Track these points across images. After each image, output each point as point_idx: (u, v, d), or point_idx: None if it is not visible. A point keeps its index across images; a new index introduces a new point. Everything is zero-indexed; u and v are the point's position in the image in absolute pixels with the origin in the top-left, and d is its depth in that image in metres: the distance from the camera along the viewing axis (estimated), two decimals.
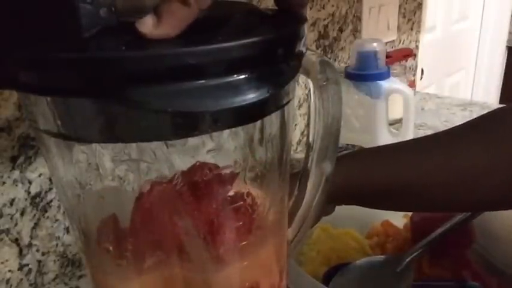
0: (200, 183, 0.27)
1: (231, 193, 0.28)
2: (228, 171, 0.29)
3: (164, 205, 0.27)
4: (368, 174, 0.41)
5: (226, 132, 0.27)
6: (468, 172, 0.38)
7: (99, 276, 0.30)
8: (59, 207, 0.51)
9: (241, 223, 0.28)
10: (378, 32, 0.96)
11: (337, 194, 0.37)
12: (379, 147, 0.46)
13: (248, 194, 0.29)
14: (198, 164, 0.28)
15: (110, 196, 0.28)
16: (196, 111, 0.21)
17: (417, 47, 1.18)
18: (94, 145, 0.26)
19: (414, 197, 0.41)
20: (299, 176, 0.30)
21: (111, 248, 0.28)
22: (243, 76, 0.21)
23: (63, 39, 0.21)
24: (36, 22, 0.21)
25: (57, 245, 0.53)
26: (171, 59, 0.20)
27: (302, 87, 0.80)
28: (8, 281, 0.49)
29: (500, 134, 0.38)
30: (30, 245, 0.50)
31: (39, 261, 0.51)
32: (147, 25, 0.21)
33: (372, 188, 0.41)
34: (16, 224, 0.48)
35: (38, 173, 0.49)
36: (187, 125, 0.22)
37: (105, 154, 0.26)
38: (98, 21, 0.21)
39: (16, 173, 0.47)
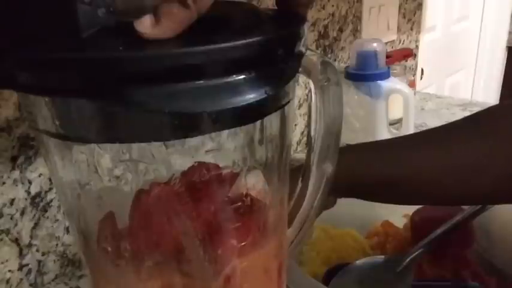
0: (198, 183, 0.27)
1: (230, 194, 0.28)
2: (227, 171, 0.28)
3: (162, 206, 0.27)
4: (366, 166, 0.42)
5: (226, 132, 0.27)
6: (465, 166, 0.39)
7: (98, 276, 0.30)
8: (59, 207, 0.51)
9: (240, 224, 0.28)
10: (378, 32, 0.96)
11: (335, 186, 0.37)
12: (378, 140, 0.47)
13: (247, 194, 0.29)
14: (196, 164, 0.28)
15: (108, 196, 0.28)
16: (195, 112, 0.21)
17: (417, 47, 1.18)
18: (93, 145, 0.26)
19: (411, 190, 0.42)
20: (300, 177, 0.30)
21: (109, 249, 0.28)
22: (241, 76, 0.21)
23: (62, 39, 0.21)
24: (34, 22, 0.21)
25: (57, 245, 0.53)
26: (170, 59, 0.20)
27: (302, 87, 0.80)
28: (8, 281, 0.49)
29: (497, 128, 0.38)
30: (30, 245, 0.50)
31: (39, 261, 0.51)
32: (145, 25, 0.21)
33: (370, 180, 0.41)
34: (16, 224, 0.48)
35: (38, 173, 0.49)
36: (185, 125, 0.22)
37: (103, 154, 0.26)
38: (96, 21, 0.21)
39: (16, 173, 0.47)
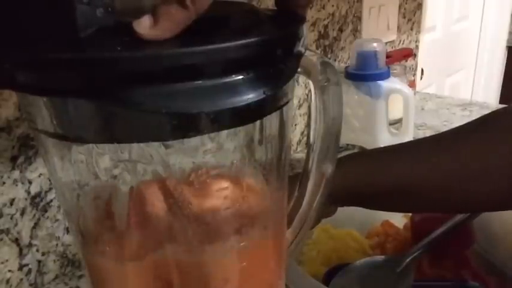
0: (197, 184, 0.27)
1: (229, 194, 0.28)
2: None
3: (159, 205, 0.27)
4: (368, 176, 0.41)
5: (225, 132, 0.27)
6: (473, 172, 0.38)
7: (97, 276, 0.30)
8: (59, 207, 0.51)
9: (239, 224, 0.28)
10: (378, 32, 0.96)
11: (337, 195, 0.37)
12: (380, 148, 0.46)
13: (246, 195, 0.29)
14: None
15: (107, 197, 0.28)
16: (193, 112, 0.21)
17: (417, 47, 1.18)
18: (91, 145, 0.26)
19: (415, 199, 0.41)
20: (299, 177, 0.30)
21: (108, 249, 0.28)
22: (240, 77, 0.21)
23: (60, 39, 0.21)
24: (32, 22, 0.21)
25: (57, 245, 0.53)
26: (168, 59, 0.20)
27: (302, 87, 0.80)
28: (8, 281, 0.49)
29: (505, 132, 0.38)
30: (30, 245, 0.50)
31: (39, 261, 0.51)
32: (144, 25, 0.21)
33: (372, 189, 0.41)
34: (16, 224, 0.48)
35: (38, 173, 0.49)
36: (184, 125, 0.22)
37: (102, 155, 0.26)
38: (94, 21, 0.21)
39: (16, 173, 0.47)
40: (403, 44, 1.11)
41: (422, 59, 1.22)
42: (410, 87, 0.77)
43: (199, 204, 0.27)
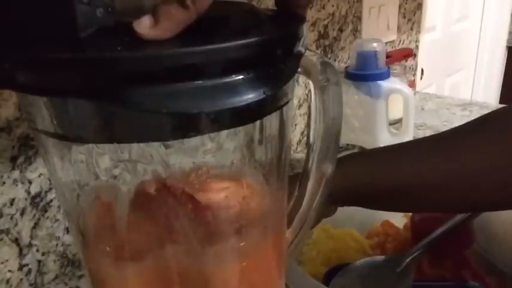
0: (197, 184, 0.27)
1: (229, 194, 0.28)
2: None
3: (159, 204, 0.27)
4: (368, 176, 0.41)
5: (225, 132, 0.27)
6: (473, 171, 0.38)
7: (97, 276, 0.30)
8: (59, 207, 0.51)
9: (239, 224, 0.28)
10: (378, 32, 0.96)
11: (338, 195, 0.37)
12: (380, 148, 0.46)
13: (246, 195, 0.29)
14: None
15: (107, 197, 0.28)
16: (193, 112, 0.21)
17: (417, 47, 1.18)
18: (91, 145, 0.26)
19: (414, 198, 0.41)
20: (299, 177, 0.30)
21: (108, 249, 0.28)
22: (240, 77, 0.21)
23: (60, 39, 0.21)
24: (32, 22, 0.21)
25: (57, 245, 0.53)
26: (168, 59, 0.20)
27: (302, 87, 0.80)
28: (8, 281, 0.49)
29: (505, 131, 0.38)
30: (30, 245, 0.50)
31: (39, 261, 0.51)
32: (144, 25, 0.21)
33: (373, 189, 0.41)
34: (16, 224, 0.48)
35: (38, 173, 0.49)
36: (184, 125, 0.22)
37: (102, 155, 0.26)
38: (94, 21, 0.21)
39: (16, 173, 0.47)
40: (403, 44, 1.11)
41: (422, 59, 1.22)
42: (410, 87, 0.77)
43: (199, 205, 0.27)
